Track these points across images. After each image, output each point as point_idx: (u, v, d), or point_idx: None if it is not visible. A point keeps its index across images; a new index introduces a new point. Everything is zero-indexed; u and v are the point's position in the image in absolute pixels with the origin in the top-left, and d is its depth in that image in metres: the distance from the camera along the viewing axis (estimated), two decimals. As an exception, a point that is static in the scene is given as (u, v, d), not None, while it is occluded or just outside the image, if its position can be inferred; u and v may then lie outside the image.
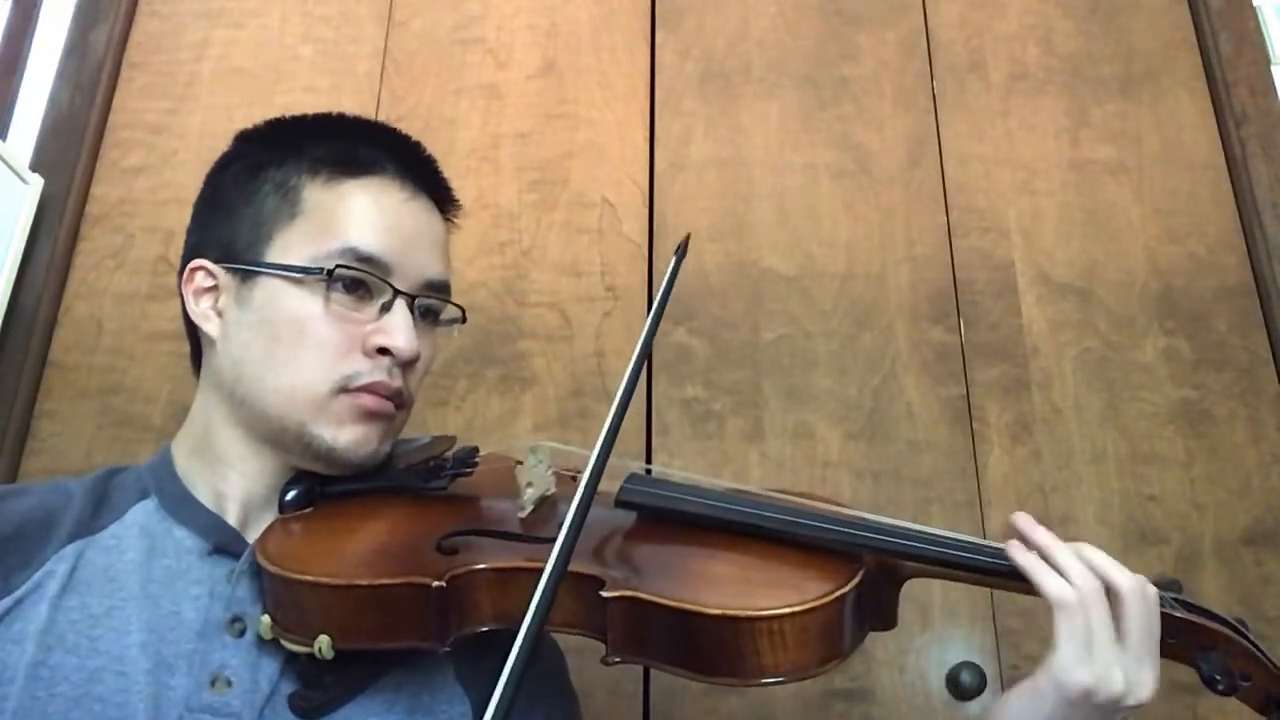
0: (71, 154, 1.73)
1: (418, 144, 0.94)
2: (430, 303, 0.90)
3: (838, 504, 0.88)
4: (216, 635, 0.77)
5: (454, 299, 0.93)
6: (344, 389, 0.83)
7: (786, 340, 1.60)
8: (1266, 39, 1.77)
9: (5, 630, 0.74)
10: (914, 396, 1.56)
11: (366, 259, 0.84)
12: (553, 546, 0.67)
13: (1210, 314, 1.60)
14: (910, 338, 1.60)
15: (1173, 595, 0.78)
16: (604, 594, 0.74)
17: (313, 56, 1.82)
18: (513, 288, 1.64)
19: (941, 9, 1.82)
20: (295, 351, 0.83)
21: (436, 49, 1.82)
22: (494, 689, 0.59)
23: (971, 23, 1.81)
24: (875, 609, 0.81)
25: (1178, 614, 0.77)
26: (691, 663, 0.73)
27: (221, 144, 0.94)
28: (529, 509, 0.85)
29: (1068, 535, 0.78)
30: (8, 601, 0.75)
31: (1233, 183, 1.68)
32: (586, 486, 0.71)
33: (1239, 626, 0.78)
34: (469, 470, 0.89)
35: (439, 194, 0.94)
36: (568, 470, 0.93)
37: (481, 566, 0.76)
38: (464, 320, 0.95)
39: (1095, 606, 0.73)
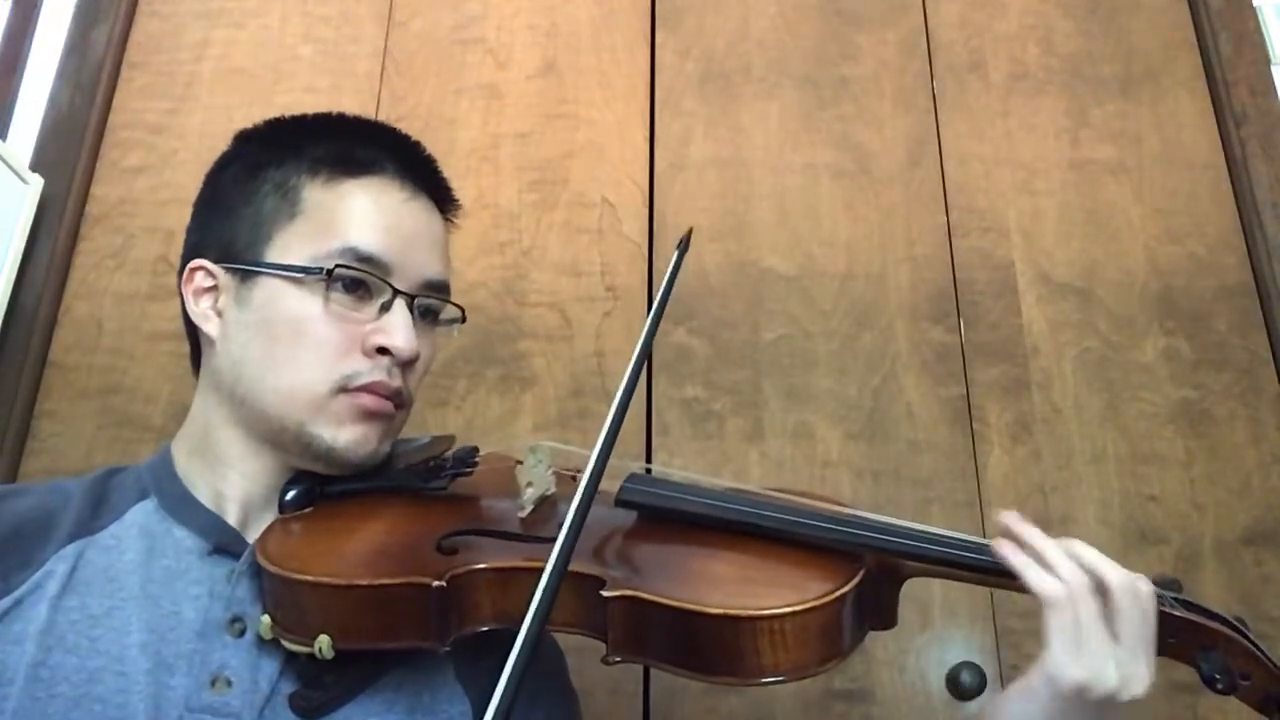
0: (71, 154, 1.73)
1: (417, 144, 0.94)
2: (430, 302, 0.90)
3: (838, 503, 0.88)
4: (216, 635, 0.77)
5: (454, 299, 0.93)
6: (343, 389, 0.83)
7: (786, 340, 1.60)
8: (1266, 39, 1.77)
9: (5, 630, 0.74)
10: (914, 396, 1.56)
11: (366, 259, 0.84)
12: (553, 546, 0.67)
13: (1210, 314, 1.60)
14: (910, 338, 1.60)
15: (1173, 595, 0.78)
16: (604, 593, 0.74)
17: (313, 56, 1.82)
18: (513, 288, 1.64)
19: (941, 9, 1.82)
20: (295, 351, 0.83)
21: (436, 49, 1.82)
22: (494, 689, 0.59)
23: (971, 23, 1.81)
24: (875, 608, 0.81)
25: (1177, 613, 0.77)
26: (692, 662, 0.73)
27: (221, 144, 0.94)
28: (529, 509, 0.85)
29: (1068, 535, 0.78)
30: (7, 602, 0.75)
31: (1233, 183, 1.68)
32: (587, 486, 0.71)
33: (1239, 625, 0.78)
34: (469, 470, 0.89)
35: (439, 194, 0.94)
36: (568, 470, 0.93)
37: (481, 566, 0.76)
38: (463, 320, 0.95)
39: (1084, 601, 0.73)
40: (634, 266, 1.65)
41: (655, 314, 0.85)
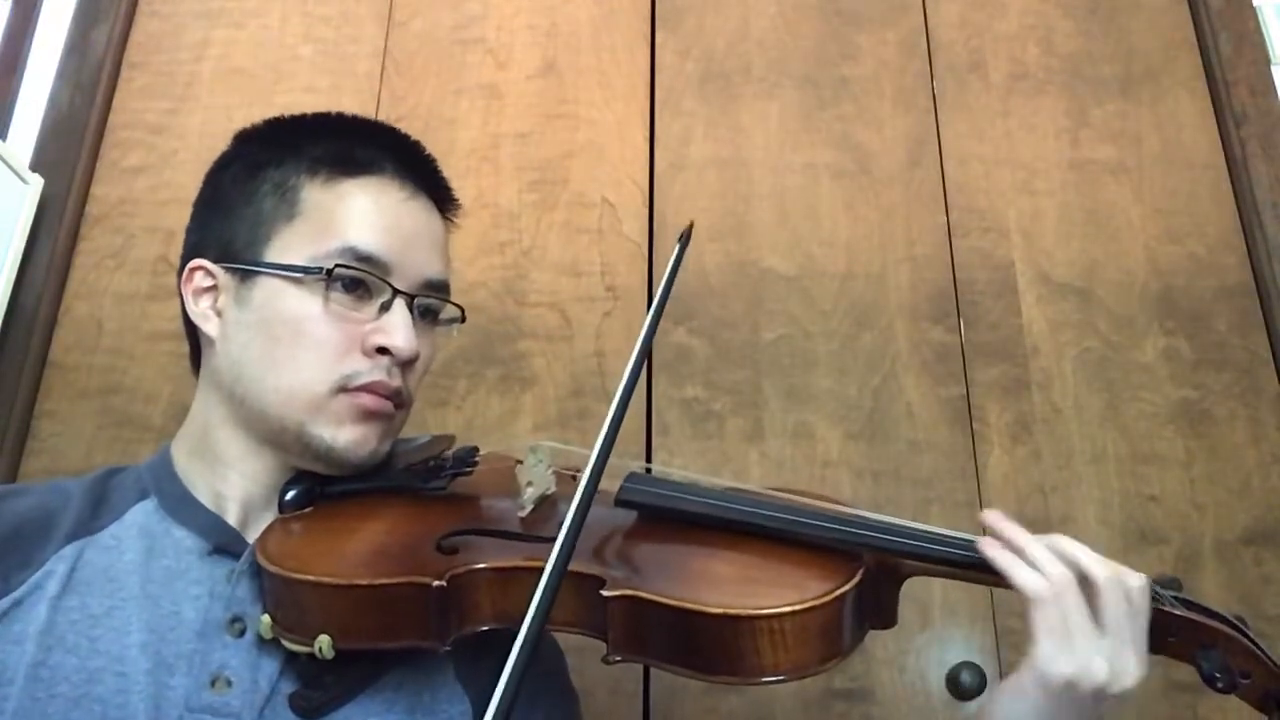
0: (71, 154, 1.73)
1: (417, 143, 0.94)
2: (429, 302, 0.90)
3: (838, 502, 0.88)
4: (216, 635, 0.77)
5: (454, 299, 0.93)
6: (343, 389, 0.83)
7: (786, 340, 1.60)
8: (1266, 39, 1.77)
9: (5, 630, 0.74)
10: (914, 396, 1.56)
11: (366, 258, 0.84)
12: (553, 546, 0.67)
13: (1210, 314, 1.60)
14: (910, 338, 1.60)
15: (1172, 593, 0.78)
16: (604, 593, 0.74)
17: (313, 56, 1.82)
18: (513, 288, 1.65)
19: (941, 9, 1.82)
20: (294, 351, 0.83)
21: (436, 49, 1.82)
22: (494, 688, 0.59)
23: (971, 23, 1.81)
24: (875, 608, 0.81)
25: (1177, 612, 0.77)
26: (692, 662, 0.73)
27: (221, 144, 0.94)
28: (529, 508, 0.85)
29: (1068, 535, 0.78)
30: (7, 602, 0.75)
31: (1233, 183, 1.68)
32: (587, 485, 0.71)
33: (1238, 624, 0.78)
34: (469, 470, 0.89)
35: (438, 193, 0.94)
36: (568, 470, 0.93)
37: (481, 566, 0.76)
38: (463, 320, 0.95)
39: (1069, 596, 0.73)
40: (634, 266, 1.65)
41: (657, 307, 0.85)
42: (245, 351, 0.84)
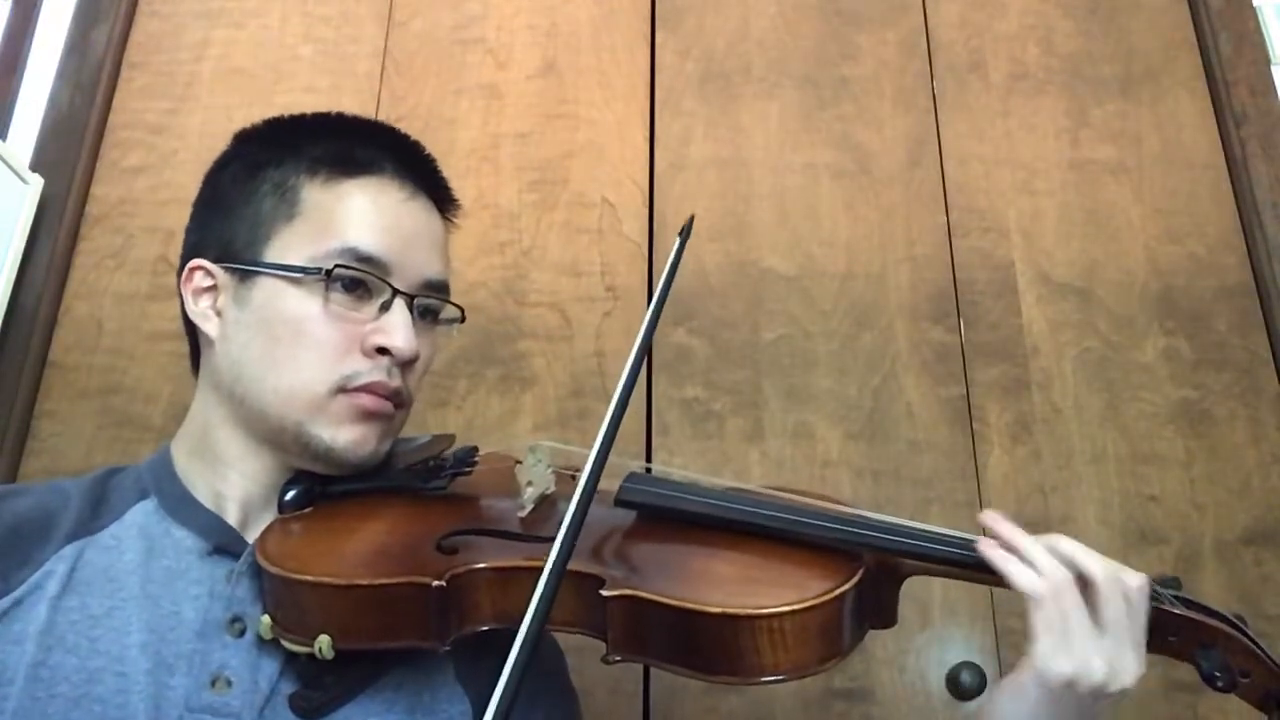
0: (71, 154, 1.73)
1: (416, 143, 0.94)
2: (429, 302, 0.90)
3: (838, 502, 0.88)
4: (216, 635, 0.77)
5: (454, 299, 0.93)
6: (343, 389, 0.83)
7: (786, 340, 1.60)
8: (1266, 39, 1.77)
9: (5, 630, 0.74)
10: (914, 396, 1.56)
11: (365, 259, 0.84)
12: (552, 545, 0.67)
13: (1210, 314, 1.60)
14: (910, 338, 1.60)
15: (1172, 593, 0.78)
16: (604, 593, 0.74)
17: (313, 56, 1.82)
18: (513, 288, 1.65)
19: (941, 9, 1.82)
20: (294, 351, 0.83)
21: (436, 49, 1.82)
22: (494, 688, 0.59)
23: (971, 23, 1.81)
24: (875, 607, 0.81)
25: (1177, 611, 0.77)
26: (692, 661, 0.73)
27: (221, 144, 0.94)
28: (529, 508, 0.85)
29: (1068, 535, 0.78)
30: (7, 602, 0.75)
31: (1233, 183, 1.68)
32: (586, 485, 0.71)
33: (1238, 623, 0.78)
34: (468, 470, 0.89)
35: (438, 193, 0.94)
36: (567, 469, 0.93)
37: (481, 566, 0.76)
38: (463, 320, 0.95)
39: (1067, 595, 0.73)
40: (634, 266, 1.65)
41: (658, 301, 0.85)
42: (245, 351, 0.84)
